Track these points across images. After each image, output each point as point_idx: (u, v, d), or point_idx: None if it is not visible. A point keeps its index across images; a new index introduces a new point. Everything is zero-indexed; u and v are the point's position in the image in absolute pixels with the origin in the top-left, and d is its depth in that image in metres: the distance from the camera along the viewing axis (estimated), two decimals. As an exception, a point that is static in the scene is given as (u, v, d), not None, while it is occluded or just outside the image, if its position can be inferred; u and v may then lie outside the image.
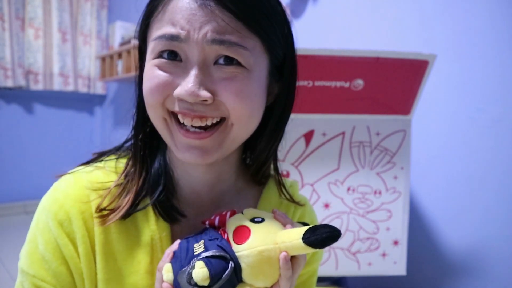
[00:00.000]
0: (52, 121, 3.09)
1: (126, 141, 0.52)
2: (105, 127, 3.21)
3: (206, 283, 0.38)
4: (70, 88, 3.01)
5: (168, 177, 0.50)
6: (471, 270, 1.16)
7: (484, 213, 1.13)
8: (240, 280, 0.41)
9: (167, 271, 0.41)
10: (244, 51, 0.40)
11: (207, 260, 0.39)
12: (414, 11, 1.30)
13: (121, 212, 0.44)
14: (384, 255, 1.06)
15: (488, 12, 1.11)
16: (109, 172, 0.49)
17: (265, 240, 0.40)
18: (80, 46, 3.09)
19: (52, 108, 3.11)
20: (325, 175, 1.03)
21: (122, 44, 2.58)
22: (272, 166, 0.55)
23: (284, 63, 0.47)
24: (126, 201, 0.45)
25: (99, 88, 3.19)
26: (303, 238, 0.37)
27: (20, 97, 2.94)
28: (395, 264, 1.06)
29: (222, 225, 0.44)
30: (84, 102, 3.26)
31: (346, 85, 0.95)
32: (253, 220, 0.42)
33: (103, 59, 2.84)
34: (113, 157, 0.52)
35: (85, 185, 0.46)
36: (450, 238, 1.22)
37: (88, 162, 0.51)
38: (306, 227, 0.39)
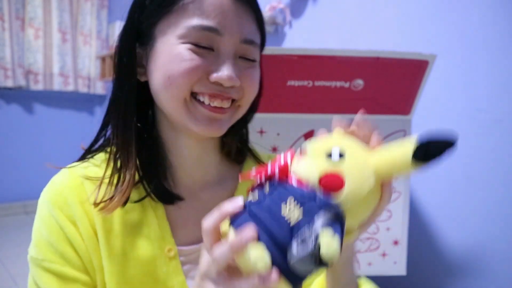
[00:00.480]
0: (52, 121, 3.09)
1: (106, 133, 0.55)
2: (105, 127, 3.21)
3: (338, 257, 0.29)
4: (70, 88, 3.01)
5: (161, 160, 0.53)
6: (471, 270, 1.16)
7: (484, 213, 1.13)
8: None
9: (260, 253, 0.30)
10: (258, 49, 0.50)
11: (331, 227, 0.30)
12: (414, 11, 1.30)
13: (121, 202, 0.47)
14: (384, 255, 1.06)
15: (488, 12, 1.11)
16: (103, 166, 0.51)
17: (362, 179, 0.33)
18: (80, 46, 3.09)
19: (52, 108, 3.11)
20: (325, 175, 1.02)
21: (122, 44, 2.58)
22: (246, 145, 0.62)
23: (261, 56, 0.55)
24: (122, 190, 0.47)
25: (99, 88, 3.19)
26: (414, 156, 0.31)
27: (20, 97, 2.94)
28: (395, 264, 1.06)
29: (285, 174, 0.35)
30: (84, 102, 3.26)
31: (346, 85, 0.95)
32: (329, 157, 0.34)
33: (103, 59, 2.84)
34: (102, 150, 0.54)
35: (79, 175, 0.50)
36: (450, 238, 1.22)
37: (80, 159, 0.54)
38: (410, 144, 0.32)
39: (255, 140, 0.97)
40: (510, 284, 1.08)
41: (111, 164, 0.49)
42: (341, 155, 0.34)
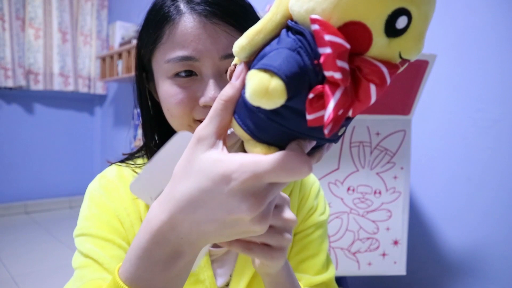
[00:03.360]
0: (53, 121, 3.09)
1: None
2: (106, 127, 3.21)
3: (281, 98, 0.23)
4: (70, 88, 3.01)
5: None
6: (471, 270, 1.16)
7: (484, 213, 1.13)
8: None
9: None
10: None
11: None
12: (414, 11, 1.30)
13: None
14: (384, 255, 1.06)
15: (488, 12, 1.11)
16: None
17: None
18: (80, 46, 3.09)
19: (53, 108, 3.11)
20: (325, 175, 1.03)
21: (122, 44, 2.58)
22: None
23: None
24: None
25: (99, 88, 3.19)
26: None
27: (21, 97, 2.94)
28: (395, 264, 1.06)
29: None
30: (84, 102, 3.26)
31: (346, 85, 0.95)
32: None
33: (103, 59, 2.84)
34: (140, 155, 0.59)
35: (126, 174, 0.55)
36: (450, 238, 1.22)
37: (126, 159, 0.58)
38: None
39: (255, 140, 0.97)
40: (510, 284, 1.08)
41: None
42: None
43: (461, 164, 1.18)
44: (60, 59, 2.93)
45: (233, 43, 0.42)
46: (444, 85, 1.21)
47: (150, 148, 0.55)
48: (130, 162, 0.57)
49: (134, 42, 2.40)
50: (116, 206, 0.52)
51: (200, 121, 0.48)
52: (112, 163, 0.57)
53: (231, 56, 0.46)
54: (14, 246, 2.24)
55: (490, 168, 1.11)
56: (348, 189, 1.03)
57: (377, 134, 1.02)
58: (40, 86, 2.89)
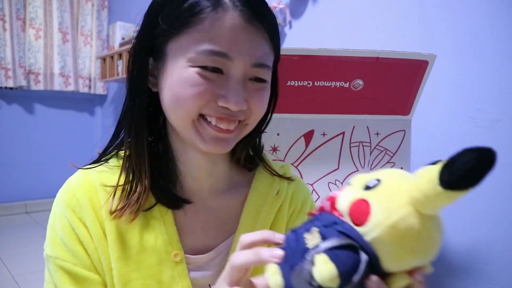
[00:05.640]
0: (53, 121, 3.10)
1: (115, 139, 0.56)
2: (106, 127, 3.21)
3: (334, 284, 0.28)
4: (71, 88, 3.01)
5: (171, 168, 0.54)
6: (470, 269, 1.16)
7: (484, 213, 1.13)
8: (381, 272, 0.30)
9: (273, 274, 0.32)
10: (270, 71, 0.49)
11: (330, 253, 0.28)
12: (414, 11, 1.30)
13: (133, 212, 0.49)
14: (384, 255, 1.06)
15: (488, 12, 1.11)
16: (116, 172, 0.52)
17: (392, 206, 0.28)
18: (81, 47, 3.10)
19: (53, 108, 3.11)
20: (325, 175, 1.03)
21: (122, 44, 2.58)
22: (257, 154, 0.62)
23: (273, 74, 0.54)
24: (134, 200, 0.49)
25: (99, 88, 3.19)
26: (440, 180, 0.26)
27: (21, 97, 2.95)
28: (395, 264, 1.06)
29: (334, 208, 0.33)
30: (84, 102, 3.27)
31: (346, 85, 0.96)
32: (367, 188, 0.31)
33: (103, 59, 2.84)
34: (114, 155, 0.56)
35: (94, 179, 0.51)
36: (449, 237, 1.22)
37: (94, 162, 0.55)
38: (439, 164, 0.27)
39: (255, 140, 0.97)
40: (510, 284, 1.08)
41: (124, 173, 0.51)
42: (378, 181, 0.31)
43: (461, 164, 1.18)
44: (60, 59, 2.94)
45: (266, 53, 0.47)
46: (444, 85, 1.21)
47: (137, 147, 0.50)
48: (101, 163, 0.54)
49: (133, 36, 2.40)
50: (80, 230, 0.49)
51: (206, 117, 0.46)
52: (78, 168, 0.53)
53: (262, 66, 0.47)
54: (14, 246, 2.24)
55: (490, 168, 1.11)
56: (348, 189, 1.03)
57: (377, 134, 1.03)
58: (40, 86, 2.90)
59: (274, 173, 0.60)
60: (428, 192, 0.27)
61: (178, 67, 0.45)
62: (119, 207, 0.48)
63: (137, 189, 0.50)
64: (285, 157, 1.00)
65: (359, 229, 0.29)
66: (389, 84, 0.98)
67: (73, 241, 0.49)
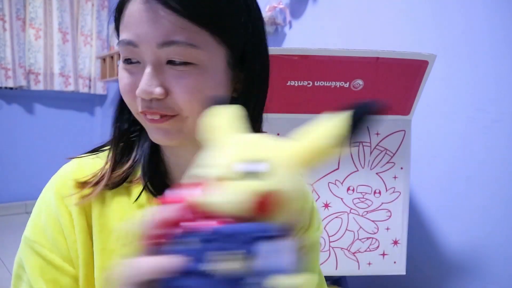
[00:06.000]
0: (53, 121, 3.10)
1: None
2: (106, 127, 3.21)
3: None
4: (71, 88, 3.01)
5: (159, 159, 0.54)
6: (470, 269, 1.16)
7: (484, 213, 1.13)
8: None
9: None
10: (192, 49, 0.42)
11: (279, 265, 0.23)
12: (414, 11, 1.30)
13: (104, 180, 0.49)
14: (383, 254, 1.06)
15: (487, 13, 1.11)
16: (105, 160, 0.53)
17: (298, 188, 0.26)
18: (81, 47, 3.10)
19: (53, 108, 3.11)
20: (325, 175, 1.03)
21: (122, 44, 2.58)
22: None
23: (247, 51, 0.47)
24: (110, 171, 0.50)
25: (99, 88, 3.19)
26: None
27: (21, 97, 2.95)
28: (394, 263, 1.06)
29: (205, 214, 0.25)
30: (84, 102, 3.27)
31: (346, 85, 0.96)
32: (251, 174, 0.25)
33: (103, 59, 2.84)
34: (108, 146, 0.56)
35: (85, 168, 0.52)
36: (449, 237, 1.22)
37: (91, 152, 0.56)
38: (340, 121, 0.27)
39: (255, 140, 0.97)
40: (510, 284, 1.08)
41: (108, 156, 0.52)
42: (259, 166, 0.25)
43: (460, 164, 1.18)
44: (60, 59, 2.94)
45: (175, 30, 0.40)
46: (444, 85, 1.21)
47: (114, 132, 0.52)
48: (96, 152, 0.55)
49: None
50: (64, 220, 0.48)
51: (143, 114, 0.45)
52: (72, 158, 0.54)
53: (171, 43, 0.41)
54: (14, 246, 2.24)
55: (489, 167, 1.11)
56: (348, 189, 1.03)
57: (377, 134, 1.03)
58: (40, 86, 2.90)
59: None
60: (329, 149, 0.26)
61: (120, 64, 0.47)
62: (89, 180, 0.49)
63: (109, 163, 0.50)
64: (285, 157, 1.00)
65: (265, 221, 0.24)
66: (389, 84, 0.98)
67: (55, 229, 0.49)
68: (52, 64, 2.93)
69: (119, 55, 0.50)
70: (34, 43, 2.85)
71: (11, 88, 2.80)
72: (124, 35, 0.43)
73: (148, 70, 0.42)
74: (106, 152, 0.54)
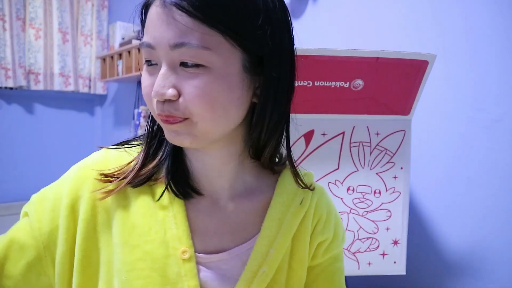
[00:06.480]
0: (53, 121, 3.10)
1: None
2: (106, 127, 3.21)
3: None
4: (71, 88, 3.01)
5: (183, 161, 0.54)
6: (471, 269, 1.16)
7: (484, 213, 1.13)
8: None
9: None
10: (204, 51, 0.41)
11: None
12: (414, 11, 1.30)
13: (129, 177, 0.50)
14: (384, 254, 1.06)
15: (487, 12, 1.11)
16: (132, 155, 0.54)
17: None
18: (81, 47, 3.10)
19: (53, 108, 3.11)
20: (325, 175, 1.03)
21: (122, 44, 2.58)
22: (283, 156, 0.58)
23: (264, 53, 0.45)
24: (137, 170, 0.51)
25: (99, 88, 3.19)
26: None
27: (21, 97, 2.94)
28: (395, 263, 1.06)
29: None
30: (84, 102, 3.27)
31: (346, 85, 0.96)
32: None
33: (103, 59, 2.84)
34: (138, 142, 0.57)
35: (111, 160, 0.53)
36: (449, 237, 1.22)
37: (119, 144, 0.57)
38: None
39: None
40: (510, 284, 1.08)
41: (138, 153, 0.53)
42: None
43: (461, 164, 1.18)
44: (60, 59, 2.93)
45: (188, 32, 0.41)
46: (444, 85, 1.21)
47: (148, 131, 0.53)
48: (125, 146, 0.56)
49: (135, 42, 2.40)
50: (65, 203, 0.50)
51: (160, 116, 0.45)
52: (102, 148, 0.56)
53: (182, 45, 0.41)
54: (14, 246, 2.24)
55: (490, 168, 1.11)
56: (348, 189, 1.03)
57: (377, 134, 1.03)
58: (40, 86, 2.90)
59: (301, 183, 0.56)
60: None
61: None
62: (115, 174, 0.50)
63: (139, 162, 0.51)
64: (285, 157, 1.00)
65: None
66: (389, 84, 0.98)
67: (53, 214, 0.50)
68: (52, 64, 2.93)
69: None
70: (34, 43, 2.85)
71: (11, 88, 2.80)
72: (144, 38, 0.45)
73: (162, 71, 0.43)
74: (134, 148, 0.55)
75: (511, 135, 1.07)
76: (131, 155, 0.54)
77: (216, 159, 0.52)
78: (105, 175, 0.50)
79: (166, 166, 0.52)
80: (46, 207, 0.50)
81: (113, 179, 0.50)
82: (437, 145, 1.24)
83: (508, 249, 1.08)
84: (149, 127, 0.53)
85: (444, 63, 1.18)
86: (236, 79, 0.45)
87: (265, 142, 0.51)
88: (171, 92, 0.43)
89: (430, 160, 1.25)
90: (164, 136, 0.50)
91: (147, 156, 0.52)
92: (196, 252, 0.51)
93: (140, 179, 0.50)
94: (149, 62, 0.45)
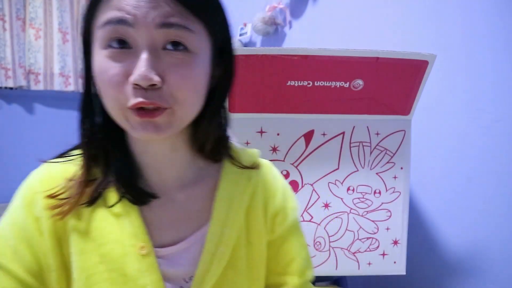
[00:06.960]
0: (53, 121, 3.10)
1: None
2: (106, 127, 3.22)
3: None
4: (71, 88, 3.01)
5: (131, 161, 0.52)
6: (471, 269, 1.16)
7: (484, 213, 1.13)
8: None
9: None
10: (190, 33, 0.42)
11: None
12: (414, 11, 1.30)
13: (81, 201, 0.48)
14: (383, 254, 1.06)
15: (487, 12, 1.11)
16: (77, 164, 0.51)
17: None
18: (81, 47, 3.10)
19: (53, 108, 3.11)
20: (325, 175, 1.03)
21: (122, 44, 2.58)
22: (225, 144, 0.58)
23: (225, 46, 0.49)
24: (88, 190, 0.49)
25: (99, 88, 3.20)
26: None
27: (21, 97, 2.95)
28: (394, 263, 1.06)
29: None
30: (84, 102, 3.27)
31: (346, 85, 0.96)
32: None
33: (103, 59, 2.84)
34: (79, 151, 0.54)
35: (56, 173, 0.51)
36: (449, 237, 1.22)
37: (61, 155, 0.55)
38: None
39: (255, 140, 0.97)
40: (510, 284, 1.08)
41: (80, 165, 0.50)
42: None
43: (461, 164, 1.18)
44: (60, 59, 2.94)
45: (174, 14, 0.40)
46: (444, 85, 1.21)
47: (85, 132, 0.49)
48: (68, 157, 0.53)
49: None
50: (29, 223, 0.48)
51: (133, 110, 0.42)
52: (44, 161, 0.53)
53: (171, 26, 0.40)
54: (14, 246, 2.24)
55: (490, 168, 1.11)
56: (348, 189, 1.03)
57: (377, 134, 1.03)
58: (40, 86, 2.90)
59: (242, 166, 0.57)
60: None
61: (95, 53, 0.43)
62: (62, 196, 0.48)
63: (83, 177, 0.48)
64: (285, 157, 1.00)
65: None
66: (389, 84, 0.98)
67: (19, 239, 0.48)
68: (52, 64, 2.93)
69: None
70: (34, 43, 2.85)
71: (11, 88, 2.80)
72: (112, 13, 0.40)
73: (145, 55, 0.40)
74: (78, 157, 0.52)
75: (511, 135, 1.07)
76: (76, 164, 0.51)
77: (166, 147, 0.51)
78: (53, 196, 0.48)
79: (114, 170, 0.50)
80: (11, 246, 0.47)
81: (63, 201, 0.48)
82: (437, 145, 1.24)
83: (508, 248, 1.08)
84: (85, 133, 0.49)
85: (444, 63, 1.18)
86: (208, 66, 0.47)
87: (210, 129, 0.52)
88: (157, 78, 0.40)
89: (430, 160, 1.25)
90: (103, 136, 0.48)
91: (89, 165, 0.49)
92: (154, 246, 0.50)
93: (94, 196, 0.49)
94: (118, 44, 0.41)
